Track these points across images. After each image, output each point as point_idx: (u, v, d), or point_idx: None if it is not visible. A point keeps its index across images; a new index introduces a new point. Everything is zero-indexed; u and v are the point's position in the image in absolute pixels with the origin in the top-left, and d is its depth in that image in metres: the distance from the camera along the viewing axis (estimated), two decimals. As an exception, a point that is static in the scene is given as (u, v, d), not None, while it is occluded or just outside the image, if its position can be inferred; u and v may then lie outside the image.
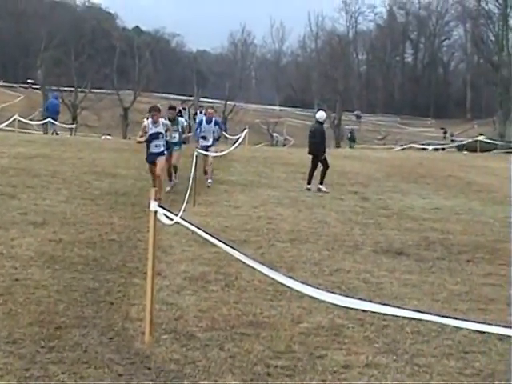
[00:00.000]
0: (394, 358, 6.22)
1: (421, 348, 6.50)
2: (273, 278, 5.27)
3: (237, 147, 23.61)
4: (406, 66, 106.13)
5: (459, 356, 6.34)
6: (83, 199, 14.06)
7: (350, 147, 51.15)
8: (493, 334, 4.86)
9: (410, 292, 8.54)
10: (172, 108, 17.34)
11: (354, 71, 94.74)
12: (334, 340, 6.63)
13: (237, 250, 5.66)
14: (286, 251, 10.51)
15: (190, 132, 22.17)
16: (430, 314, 4.41)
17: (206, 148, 17.63)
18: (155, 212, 6.36)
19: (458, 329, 6.56)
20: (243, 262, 5.56)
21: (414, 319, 5.64)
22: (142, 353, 6.07)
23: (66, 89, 59.24)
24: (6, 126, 35.38)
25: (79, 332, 6.48)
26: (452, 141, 56.35)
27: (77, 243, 10.11)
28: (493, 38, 73.15)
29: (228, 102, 67.75)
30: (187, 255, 9.79)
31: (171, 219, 6.54)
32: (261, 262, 5.45)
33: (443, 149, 47.82)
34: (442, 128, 73.75)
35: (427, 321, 4.95)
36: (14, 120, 35.28)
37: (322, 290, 5.11)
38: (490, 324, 4.04)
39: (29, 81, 75.90)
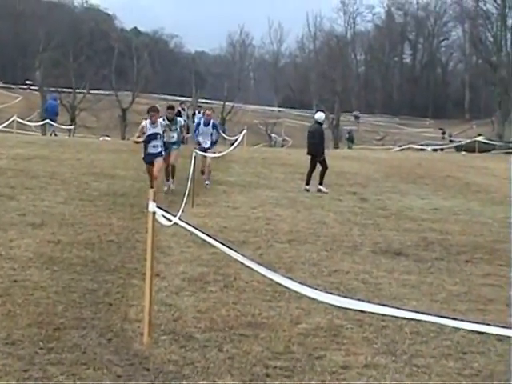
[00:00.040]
0: (393, 358, 6.22)
1: (420, 348, 6.50)
2: (271, 279, 5.26)
3: (235, 148, 23.62)
4: (405, 66, 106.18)
5: (458, 356, 6.34)
6: (82, 200, 14.06)
7: (349, 148, 51.13)
8: (492, 334, 4.85)
9: (409, 292, 8.53)
10: (171, 108, 17.35)
11: (352, 72, 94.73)
12: (333, 341, 6.63)
13: (235, 250, 5.66)
14: (285, 252, 10.50)
15: (188, 133, 22.15)
16: (429, 314, 4.41)
17: (204, 150, 17.63)
18: (154, 213, 6.36)
19: (457, 329, 6.56)
20: (242, 263, 5.55)
21: (412, 320, 5.63)
22: (141, 354, 6.07)
23: (64, 90, 59.13)
24: (5, 127, 35.37)
25: (78, 333, 6.47)
26: (450, 141, 56.38)
27: (75, 244, 10.10)
28: (491, 39, 73.27)
29: (226, 103, 67.71)
30: (186, 256, 9.79)
31: (170, 220, 6.54)
32: (259, 263, 5.45)
33: (442, 149, 47.85)
34: (441, 128, 73.75)
35: (426, 321, 4.94)
36: (13, 121, 35.27)
37: (321, 290, 5.11)
38: (488, 324, 4.04)
39: (27, 82, 75.84)
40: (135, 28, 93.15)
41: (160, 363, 5.89)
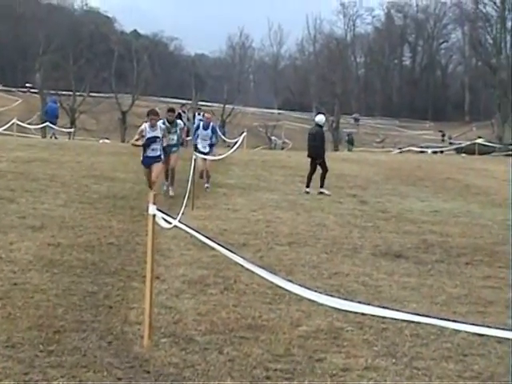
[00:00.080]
0: (393, 360, 6.22)
1: (420, 351, 6.49)
2: (272, 282, 5.26)
3: (235, 150, 23.63)
4: (404, 68, 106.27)
5: (458, 359, 6.34)
6: (82, 203, 14.06)
7: (349, 150, 51.15)
8: (492, 336, 4.85)
9: (409, 295, 8.53)
10: (171, 110, 17.32)
11: (352, 74, 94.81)
12: (333, 343, 6.63)
13: (235, 253, 5.66)
14: (285, 254, 10.50)
15: (188, 135, 22.16)
16: (429, 316, 4.41)
17: (204, 154, 17.60)
18: (154, 215, 6.36)
19: (457, 331, 6.56)
20: (242, 266, 5.55)
21: (412, 322, 5.63)
22: (141, 356, 6.07)
23: (64, 93, 59.20)
24: (5, 130, 35.42)
25: (78, 336, 6.47)
26: (450, 143, 56.45)
27: (75, 247, 10.10)
28: (491, 41, 73.36)
29: (226, 106, 67.75)
30: (186, 259, 9.79)
31: (170, 223, 6.54)
32: (260, 266, 5.45)
33: (442, 152, 47.87)
34: (440, 131, 73.84)
35: (426, 324, 4.94)
36: (13, 124, 35.30)
37: (321, 293, 5.11)
38: (489, 327, 4.03)
39: (27, 85, 75.86)
40: (135, 31, 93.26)
41: (160, 366, 5.89)
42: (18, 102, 69.44)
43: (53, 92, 56.18)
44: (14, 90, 77.54)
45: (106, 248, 10.22)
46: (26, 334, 6.42)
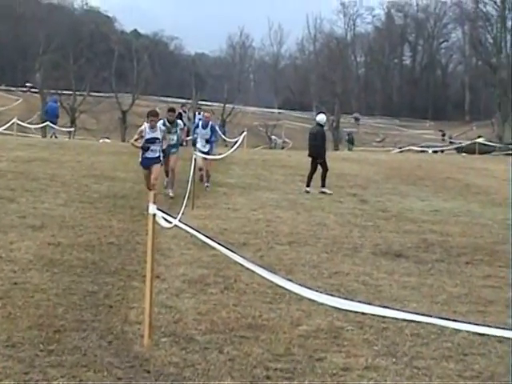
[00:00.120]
0: (394, 360, 6.22)
1: (420, 350, 6.49)
2: (272, 281, 5.26)
3: (235, 150, 23.62)
4: (405, 68, 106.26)
5: (458, 358, 6.33)
6: (82, 202, 14.06)
7: (349, 149, 51.14)
8: (492, 336, 4.85)
9: (409, 294, 8.53)
10: (172, 110, 17.29)
11: (352, 74, 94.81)
12: (334, 343, 6.63)
13: (236, 252, 5.66)
14: (285, 254, 10.50)
15: (188, 135, 22.15)
16: (430, 316, 4.41)
17: (203, 153, 17.59)
18: (154, 215, 6.36)
19: (458, 331, 6.56)
20: (242, 265, 5.55)
21: (413, 321, 5.64)
22: (141, 356, 6.07)
23: (64, 92, 59.17)
24: (5, 129, 35.41)
25: (78, 335, 6.47)
26: (451, 143, 56.42)
27: (76, 246, 10.10)
28: (491, 40, 73.37)
29: (226, 105, 67.74)
30: (186, 258, 9.79)
31: (170, 222, 6.54)
32: (260, 265, 5.45)
33: (442, 151, 47.87)
34: (441, 130, 73.83)
35: (426, 323, 4.94)
36: (13, 123, 35.29)
37: (321, 292, 5.12)
38: (489, 326, 4.04)
39: (27, 84, 75.86)
40: (135, 30, 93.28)
41: (160, 365, 5.89)
42: (18, 102, 69.47)
43: (53, 91, 56.15)
44: (14, 89, 77.59)
45: (106, 247, 10.22)
46: (26, 334, 6.42)
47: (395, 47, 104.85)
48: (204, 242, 6.16)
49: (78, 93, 61.33)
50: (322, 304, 5.85)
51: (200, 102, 59.05)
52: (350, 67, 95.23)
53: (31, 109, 62.30)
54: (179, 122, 17.61)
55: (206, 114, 19.76)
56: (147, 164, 14.58)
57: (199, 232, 6.16)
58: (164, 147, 15.00)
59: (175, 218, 6.66)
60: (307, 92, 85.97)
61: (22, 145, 24.90)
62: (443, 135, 70.02)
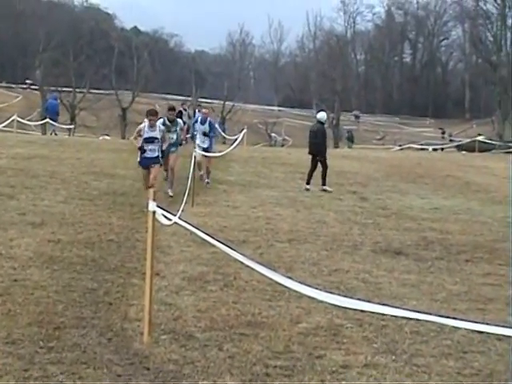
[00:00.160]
0: (393, 358, 6.22)
1: (420, 348, 6.50)
2: (271, 279, 5.26)
3: (235, 147, 23.61)
4: (405, 66, 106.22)
5: (458, 356, 6.34)
6: (82, 199, 14.06)
7: (349, 147, 51.12)
8: (492, 333, 4.86)
9: (409, 292, 8.54)
10: (172, 109, 17.23)
11: (352, 71, 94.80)
12: (333, 340, 6.63)
13: (235, 250, 5.66)
14: (285, 251, 10.50)
15: (188, 133, 22.14)
16: (429, 313, 4.41)
17: (204, 150, 17.58)
18: (154, 212, 6.36)
19: (457, 329, 6.56)
20: (242, 263, 5.55)
21: (412, 319, 5.63)
22: (141, 353, 6.07)
23: (64, 89, 59.11)
24: (5, 126, 35.37)
25: (78, 332, 6.48)
26: (451, 141, 56.40)
27: (75, 243, 10.10)
28: (491, 38, 73.40)
29: (226, 103, 67.69)
30: (186, 255, 9.79)
31: (170, 219, 6.54)
32: (259, 263, 5.45)
33: (442, 149, 47.85)
34: (441, 128, 73.81)
35: (426, 321, 4.95)
36: (13, 120, 35.28)
37: (321, 290, 5.11)
38: (488, 324, 4.04)
39: (27, 81, 75.79)
40: (135, 27, 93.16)
41: (160, 362, 5.90)
42: (18, 99, 69.42)
43: (53, 88, 56.11)
44: (14, 86, 77.51)
45: (105, 245, 10.23)
46: (26, 331, 6.42)
47: (395, 45, 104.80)
48: (204, 240, 6.17)
49: (77, 90, 61.28)
50: (321, 301, 5.85)
51: (200, 100, 59.06)
52: (350, 65, 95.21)
53: (31, 106, 62.25)
54: (179, 120, 17.58)
55: (203, 110, 19.78)
56: (146, 164, 14.12)
57: (199, 229, 6.16)
58: (164, 148, 14.88)
59: (175, 216, 6.66)
60: (307, 90, 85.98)
61: (21, 142, 24.88)
62: (443, 133, 70.00)
